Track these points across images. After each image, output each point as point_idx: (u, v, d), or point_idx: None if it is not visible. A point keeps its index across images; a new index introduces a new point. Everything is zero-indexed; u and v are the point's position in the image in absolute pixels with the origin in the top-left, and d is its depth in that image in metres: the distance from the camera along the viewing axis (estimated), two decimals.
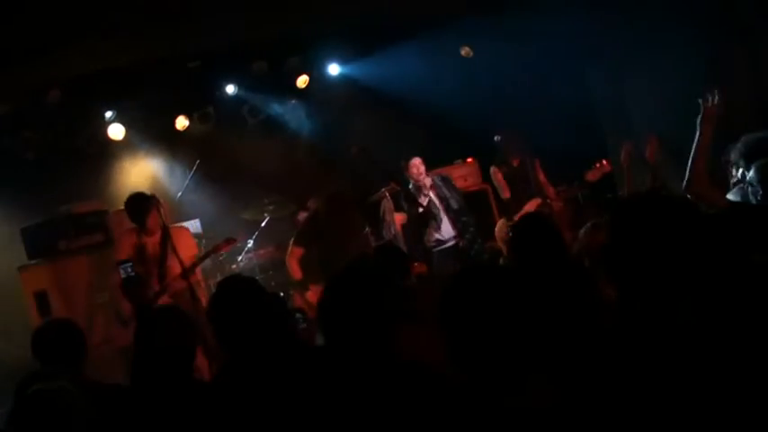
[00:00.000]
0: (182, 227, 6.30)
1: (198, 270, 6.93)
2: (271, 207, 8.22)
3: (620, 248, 1.87)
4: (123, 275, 5.49)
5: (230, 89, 8.30)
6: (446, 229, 7.30)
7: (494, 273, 1.90)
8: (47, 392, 2.74)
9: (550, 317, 1.95)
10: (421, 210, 7.36)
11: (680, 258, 1.79)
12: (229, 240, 6.10)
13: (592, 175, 7.08)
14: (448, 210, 7.31)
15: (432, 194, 7.35)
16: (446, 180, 7.55)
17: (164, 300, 5.82)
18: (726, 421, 1.65)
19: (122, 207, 6.92)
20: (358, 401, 2.11)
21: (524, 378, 1.77)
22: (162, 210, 5.73)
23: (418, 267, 7.10)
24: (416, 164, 7.31)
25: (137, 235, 5.97)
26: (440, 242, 7.34)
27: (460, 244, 7.27)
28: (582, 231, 3.90)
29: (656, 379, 1.71)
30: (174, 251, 5.67)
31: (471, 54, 8.78)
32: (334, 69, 8.81)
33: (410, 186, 7.39)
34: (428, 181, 7.32)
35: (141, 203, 5.85)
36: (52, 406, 2.66)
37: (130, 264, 5.54)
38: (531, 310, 1.83)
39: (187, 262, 5.72)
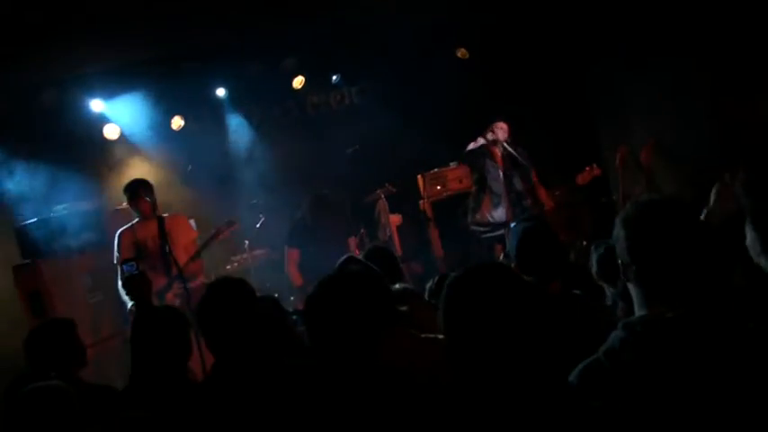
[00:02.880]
0: (177, 214, 6.29)
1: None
2: (266, 207, 8.21)
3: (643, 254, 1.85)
4: (126, 274, 5.48)
5: (221, 92, 8.30)
6: (501, 212, 6.87)
7: (499, 273, 1.89)
8: (45, 390, 2.74)
9: (553, 320, 1.95)
10: (480, 179, 6.89)
11: (694, 267, 1.80)
12: (230, 223, 6.07)
13: (582, 179, 7.08)
14: (510, 190, 6.87)
15: (499, 164, 6.90)
16: (519, 149, 6.87)
17: (174, 290, 5.84)
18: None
19: (117, 207, 6.95)
20: (339, 407, 2.10)
21: (522, 382, 1.77)
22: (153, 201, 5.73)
23: (414, 268, 7.03)
24: (503, 127, 6.84)
25: (132, 232, 6.01)
26: (491, 226, 6.88)
27: (500, 230, 6.77)
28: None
29: (662, 388, 1.71)
30: (174, 242, 5.74)
31: (467, 56, 8.79)
32: (328, 74, 8.81)
33: (470, 150, 6.91)
34: (500, 145, 6.77)
35: (131, 186, 5.96)
36: (49, 403, 2.66)
37: (134, 262, 5.53)
38: (535, 312, 1.82)
39: (189, 247, 5.73)
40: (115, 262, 5.98)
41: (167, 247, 5.74)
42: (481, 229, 6.94)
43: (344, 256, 4.03)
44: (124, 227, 6.10)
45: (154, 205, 5.92)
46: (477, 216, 6.96)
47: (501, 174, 6.86)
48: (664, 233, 1.82)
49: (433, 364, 2.16)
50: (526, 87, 8.35)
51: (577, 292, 3.11)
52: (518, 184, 6.84)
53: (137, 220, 6.05)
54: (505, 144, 6.81)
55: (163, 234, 5.90)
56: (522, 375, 1.77)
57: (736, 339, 1.73)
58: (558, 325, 2.09)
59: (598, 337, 1.83)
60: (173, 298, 5.83)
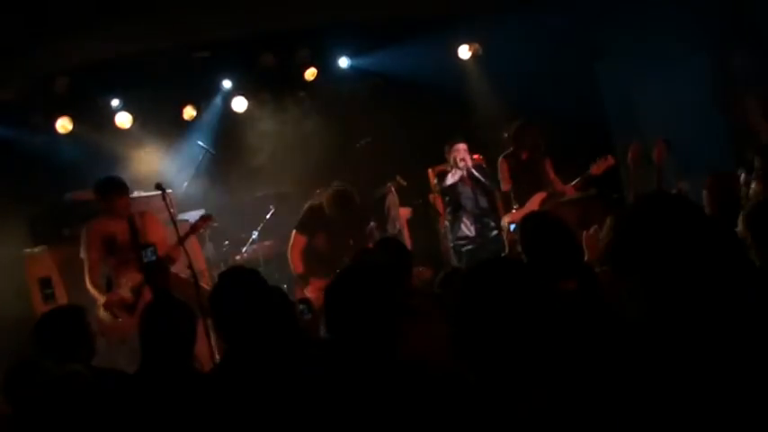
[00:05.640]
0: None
1: (202, 260, 6.96)
2: (276, 199, 8.22)
3: (627, 248, 1.85)
4: (144, 260, 5.48)
5: (227, 84, 8.31)
6: (473, 228, 7.33)
7: (508, 269, 1.89)
8: (68, 376, 2.74)
9: (562, 317, 1.94)
10: (452, 202, 7.37)
11: (688, 259, 1.79)
12: (205, 218, 6.07)
13: (596, 169, 7.10)
14: (477, 207, 7.32)
15: (468, 186, 7.33)
16: (482, 170, 7.45)
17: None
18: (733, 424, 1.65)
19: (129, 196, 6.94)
20: (357, 397, 2.10)
21: (531, 381, 1.76)
22: (168, 200, 5.68)
23: (423, 272, 7.01)
24: (461, 149, 7.28)
25: (101, 225, 5.91)
26: (468, 240, 7.35)
27: (476, 243, 7.29)
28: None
29: (667, 385, 1.71)
30: (144, 238, 5.76)
31: (480, 51, 8.76)
32: (343, 62, 8.80)
33: (449, 173, 7.37)
34: (466, 170, 7.25)
35: (111, 182, 5.89)
36: (74, 388, 2.66)
37: (152, 248, 5.54)
38: (544, 308, 1.82)
39: (160, 243, 5.76)
40: (82, 256, 5.89)
41: (139, 241, 5.73)
42: (461, 242, 7.42)
43: (359, 249, 4.03)
44: (91, 221, 5.96)
45: (128, 204, 5.90)
46: (457, 233, 7.43)
47: (471, 192, 7.36)
48: (665, 227, 1.82)
49: (448, 357, 2.15)
50: (537, 84, 8.32)
51: (594, 289, 3.08)
52: (483, 202, 7.37)
53: (103, 215, 5.92)
54: (470, 167, 7.29)
55: (133, 228, 5.84)
56: (526, 370, 1.77)
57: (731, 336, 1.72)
58: (570, 322, 2.09)
59: (612, 335, 1.83)
60: (151, 295, 5.74)
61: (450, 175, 7.41)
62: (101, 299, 5.80)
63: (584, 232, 4.12)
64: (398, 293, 2.35)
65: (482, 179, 7.31)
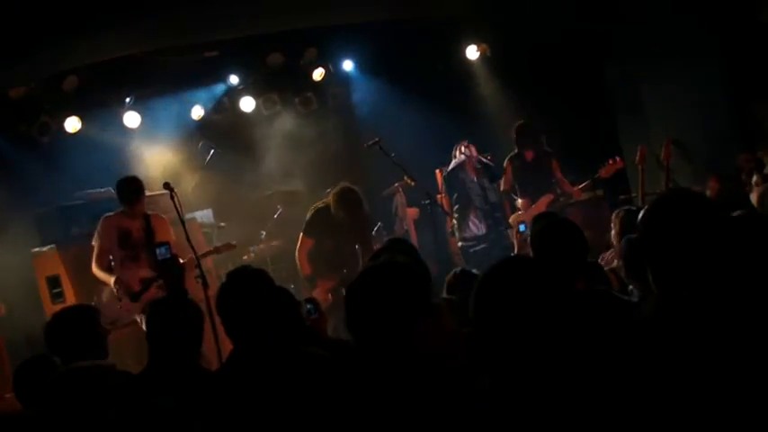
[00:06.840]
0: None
1: (209, 259, 6.98)
2: (284, 198, 8.24)
3: (653, 246, 1.85)
4: (159, 258, 5.52)
5: (234, 80, 8.33)
6: (482, 225, 7.30)
7: (529, 269, 1.88)
8: (91, 369, 2.73)
9: (578, 315, 1.94)
10: (461, 197, 7.37)
11: (709, 256, 1.78)
12: (229, 245, 6.41)
13: (605, 172, 7.13)
14: (486, 202, 7.29)
15: (476, 182, 7.32)
16: (489, 160, 7.51)
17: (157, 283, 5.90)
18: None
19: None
20: (373, 398, 2.08)
21: (549, 381, 1.76)
22: (176, 199, 5.72)
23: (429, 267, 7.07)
24: (466, 143, 7.38)
25: (119, 220, 6.06)
26: (477, 239, 7.31)
27: (486, 243, 7.24)
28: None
29: (680, 380, 1.70)
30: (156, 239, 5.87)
31: (488, 52, 8.76)
32: (347, 65, 8.80)
33: (451, 169, 7.40)
34: (472, 165, 7.30)
35: (134, 185, 6.04)
36: (97, 382, 2.64)
37: (166, 246, 5.58)
38: (567, 308, 1.81)
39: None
40: (93, 243, 6.03)
41: (154, 240, 5.87)
42: (469, 243, 7.37)
43: (373, 250, 4.02)
44: (110, 213, 6.14)
45: (144, 204, 6.12)
46: (465, 233, 7.40)
47: (479, 188, 7.34)
48: (678, 222, 1.83)
49: (465, 356, 2.14)
50: (545, 85, 8.31)
51: (602, 288, 3.09)
52: (492, 196, 7.32)
53: (121, 210, 6.09)
54: (481, 158, 7.34)
55: (149, 227, 6.00)
56: (548, 368, 1.77)
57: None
58: (583, 320, 2.08)
59: (623, 333, 1.83)
60: (156, 291, 5.82)
61: (453, 161, 7.42)
62: (109, 279, 5.92)
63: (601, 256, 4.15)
64: (425, 292, 2.31)
65: (489, 163, 7.32)
